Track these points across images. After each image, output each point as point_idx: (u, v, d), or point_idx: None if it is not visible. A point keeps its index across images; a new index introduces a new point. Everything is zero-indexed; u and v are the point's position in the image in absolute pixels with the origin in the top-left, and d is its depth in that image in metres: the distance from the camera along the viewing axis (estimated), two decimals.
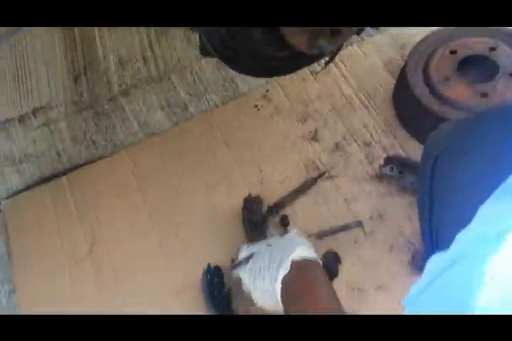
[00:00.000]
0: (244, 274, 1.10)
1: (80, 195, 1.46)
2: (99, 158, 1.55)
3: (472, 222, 0.53)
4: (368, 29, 1.68)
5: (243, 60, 1.21)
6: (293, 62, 1.32)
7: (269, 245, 1.13)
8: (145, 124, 1.62)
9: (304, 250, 1.07)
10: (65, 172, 1.53)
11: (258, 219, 1.29)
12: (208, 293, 1.21)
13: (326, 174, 1.39)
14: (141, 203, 1.43)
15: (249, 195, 1.34)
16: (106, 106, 1.69)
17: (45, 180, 1.53)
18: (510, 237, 0.45)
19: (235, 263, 1.15)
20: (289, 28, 1.08)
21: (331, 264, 1.18)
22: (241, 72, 1.27)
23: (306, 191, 1.37)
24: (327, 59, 1.40)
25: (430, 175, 0.90)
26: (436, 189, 0.91)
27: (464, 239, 0.52)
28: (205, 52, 1.21)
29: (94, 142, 1.61)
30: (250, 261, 1.10)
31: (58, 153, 1.60)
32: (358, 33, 1.29)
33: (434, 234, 0.90)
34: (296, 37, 1.11)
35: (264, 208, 1.33)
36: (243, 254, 1.15)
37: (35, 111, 1.71)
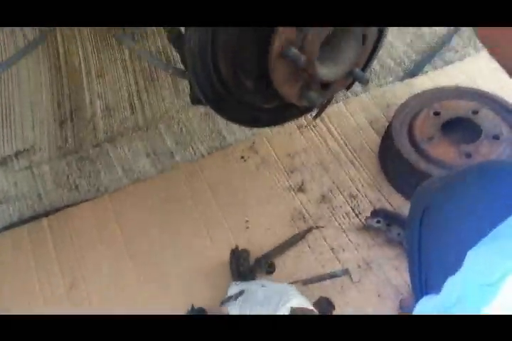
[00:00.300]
0: (233, 310, 1.07)
1: (60, 236, 1.43)
2: (82, 202, 1.52)
3: (463, 267, 0.54)
4: (355, 88, 1.74)
5: (232, 109, 1.23)
6: (282, 113, 1.35)
7: (264, 286, 1.12)
8: (129, 171, 1.62)
9: (300, 299, 1.06)
10: (45, 214, 1.49)
11: (246, 271, 1.28)
12: None
13: (313, 225, 1.39)
14: (124, 249, 1.40)
15: (237, 247, 1.33)
16: (90, 152, 1.68)
17: (25, 221, 1.49)
18: (509, 280, 0.46)
19: (224, 299, 1.12)
20: (281, 77, 1.11)
21: (325, 310, 1.17)
22: (229, 120, 1.29)
23: (294, 244, 1.36)
24: (315, 114, 1.44)
25: (418, 227, 0.92)
26: (424, 241, 0.93)
27: (458, 283, 0.53)
28: (195, 99, 1.23)
29: (76, 186, 1.59)
30: (240, 298, 1.08)
31: (39, 196, 1.57)
32: (348, 88, 1.34)
33: (424, 286, 0.91)
34: (287, 87, 1.14)
35: (252, 260, 1.31)
36: (232, 290, 1.13)
37: (17, 154, 1.69)
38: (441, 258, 0.87)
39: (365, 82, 1.22)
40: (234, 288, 1.14)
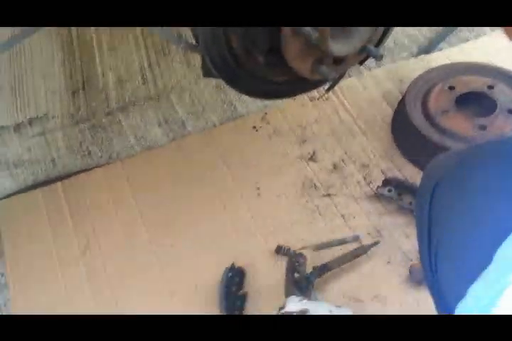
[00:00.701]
0: None
1: (74, 201, 1.44)
2: (95, 168, 1.52)
3: (500, 267, 0.54)
4: (368, 63, 1.74)
5: (244, 82, 1.23)
6: (293, 87, 1.35)
7: (331, 311, 1.03)
8: (142, 138, 1.62)
9: None
10: (59, 179, 1.50)
11: (302, 279, 1.19)
12: (225, 291, 1.19)
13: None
14: (137, 214, 1.40)
15: (295, 252, 1.26)
16: (103, 120, 1.68)
17: (39, 185, 1.50)
18: None
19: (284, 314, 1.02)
20: (293, 52, 1.10)
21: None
22: (241, 92, 1.29)
23: (355, 257, 1.26)
24: (327, 87, 1.44)
25: (429, 201, 0.91)
26: (435, 215, 0.91)
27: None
28: (207, 72, 1.23)
29: (89, 152, 1.59)
30: None
31: (53, 161, 1.58)
32: (361, 63, 1.34)
33: (433, 258, 0.90)
34: (299, 62, 1.14)
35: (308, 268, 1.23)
36: (293, 307, 1.03)
37: (31, 121, 1.69)
38: (453, 234, 0.86)
39: (379, 58, 1.21)
40: (294, 304, 1.03)
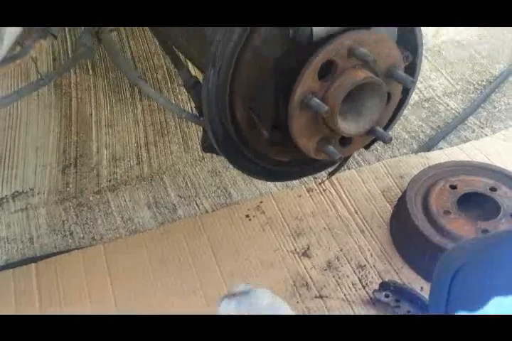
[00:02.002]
0: (228, 307, 0.96)
1: (47, 285, 1.33)
2: (74, 249, 1.44)
3: None
4: (368, 156, 1.72)
5: (245, 159, 1.18)
6: (295, 168, 1.30)
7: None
8: (129, 221, 1.55)
9: None
10: (34, 260, 1.40)
11: None
12: None
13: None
14: (112, 303, 1.30)
15: None
16: (91, 199, 1.62)
17: (12, 265, 1.40)
18: None
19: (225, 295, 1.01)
20: (299, 127, 1.07)
21: None
22: (240, 169, 1.24)
23: None
24: (329, 173, 1.40)
25: (447, 294, 0.84)
26: (452, 300, 0.85)
27: None
28: (207, 147, 1.19)
29: (71, 233, 1.51)
30: (242, 298, 0.97)
31: (31, 240, 1.49)
32: (367, 147, 1.30)
33: None
34: (305, 139, 1.10)
35: None
36: (236, 289, 1.02)
37: (15, 195, 1.63)
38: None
39: (387, 141, 1.18)
40: (238, 287, 1.02)
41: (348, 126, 1.08)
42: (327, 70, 1.02)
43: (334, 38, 0.99)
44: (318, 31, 0.97)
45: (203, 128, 1.14)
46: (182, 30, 1.22)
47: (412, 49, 1.17)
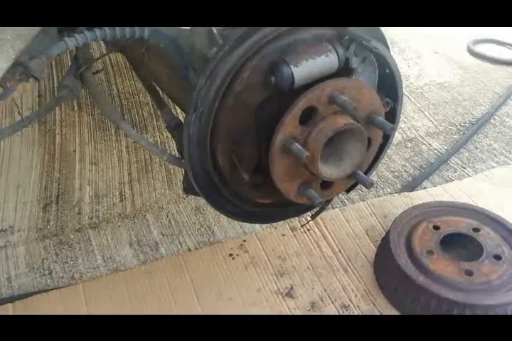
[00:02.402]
0: None
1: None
2: (53, 289, 1.40)
3: None
4: (352, 196, 1.72)
5: (226, 201, 1.18)
6: (277, 211, 1.31)
7: None
8: (109, 259, 1.52)
9: None
10: (11, 300, 1.36)
11: None
12: None
13: None
14: None
15: None
16: (71, 237, 1.59)
17: None
18: None
19: None
20: (281, 171, 1.07)
21: None
22: (221, 212, 1.23)
23: None
24: (312, 214, 1.40)
25: None
26: None
27: None
28: (188, 189, 1.18)
29: (50, 272, 1.47)
30: None
31: (9, 279, 1.45)
32: (348, 191, 1.31)
33: None
34: (286, 183, 1.11)
35: None
36: None
37: None
38: None
39: (368, 186, 1.19)
40: None
41: (329, 171, 1.09)
42: (308, 116, 1.03)
43: (315, 85, 1.00)
44: (300, 78, 0.99)
45: (185, 170, 1.14)
46: (165, 69, 1.24)
47: (392, 95, 1.19)
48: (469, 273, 1.29)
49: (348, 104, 1.00)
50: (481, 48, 2.54)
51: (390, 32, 2.62)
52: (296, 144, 1.01)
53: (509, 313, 1.24)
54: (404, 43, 2.63)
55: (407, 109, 2.18)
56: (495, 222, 1.44)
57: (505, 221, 1.44)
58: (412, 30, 2.67)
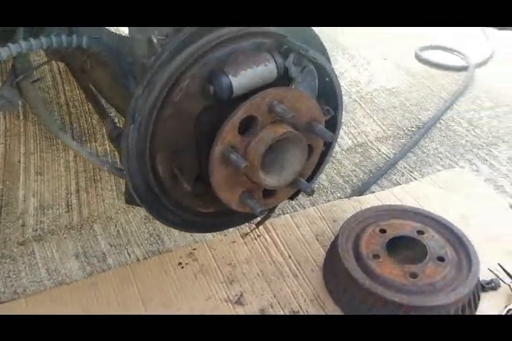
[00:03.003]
0: None
1: None
2: None
3: None
4: (302, 201, 1.73)
5: (168, 211, 1.17)
6: (220, 220, 1.30)
7: None
8: (54, 272, 1.48)
9: None
10: None
11: None
12: None
13: None
14: None
15: None
16: (14, 250, 1.54)
17: None
18: None
19: None
20: (221, 181, 1.07)
21: None
22: (163, 222, 1.22)
23: None
24: (257, 222, 1.39)
25: None
26: None
27: None
28: (129, 199, 1.16)
29: None
30: None
31: None
32: (292, 198, 1.31)
33: None
34: (227, 192, 1.10)
35: None
36: None
37: None
38: None
39: (309, 193, 1.20)
40: None
41: (270, 179, 1.09)
42: (248, 125, 1.03)
43: (254, 94, 1.01)
44: (239, 88, 0.99)
45: (126, 181, 1.12)
46: (107, 78, 1.22)
47: (332, 104, 1.21)
48: (414, 276, 1.31)
49: (286, 113, 1.01)
50: (428, 55, 2.60)
51: (340, 39, 2.71)
52: (235, 154, 1.01)
53: (452, 313, 1.26)
54: (355, 50, 2.67)
55: (358, 114, 2.21)
56: (439, 224, 1.46)
57: (449, 223, 1.47)
58: (362, 38, 2.71)
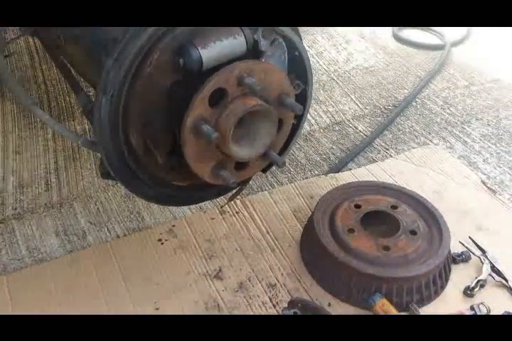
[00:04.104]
0: None
1: None
2: None
3: None
4: (280, 178, 1.75)
5: (142, 184, 1.18)
6: (195, 192, 1.31)
7: None
8: (34, 250, 1.49)
9: None
10: None
11: None
12: None
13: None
14: None
15: None
16: None
17: None
18: None
19: None
20: (193, 153, 1.08)
21: None
22: (139, 196, 1.23)
23: None
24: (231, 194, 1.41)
25: None
26: None
27: None
28: (104, 173, 1.17)
29: None
30: None
31: None
32: (264, 171, 1.33)
33: None
34: (200, 164, 1.12)
35: None
36: None
37: None
38: None
39: (281, 165, 1.22)
40: None
41: (241, 151, 1.11)
42: (219, 98, 1.04)
43: (224, 67, 1.02)
44: (208, 60, 1.00)
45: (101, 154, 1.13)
46: (80, 52, 1.22)
47: (303, 78, 1.22)
48: (387, 249, 1.35)
49: (255, 86, 1.02)
50: (405, 33, 2.62)
51: None
52: (206, 126, 1.02)
53: (423, 284, 1.31)
54: (333, 30, 2.68)
55: (335, 93, 2.24)
56: (412, 199, 1.50)
57: (422, 198, 1.51)
58: None
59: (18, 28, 1.53)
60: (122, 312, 1.29)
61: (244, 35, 1.05)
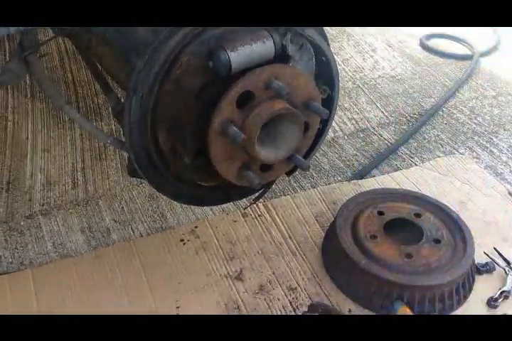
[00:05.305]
0: None
1: None
2: (2, 274, 1.39)
3: None
4: (303, 183, 1.76)
5: (169, 184, 1.20)
6: (221, 194, 1.32)
7: None
8: (60, 245, 1.51)
9: None
10: None
11: None
12: None
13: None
14: None
15: None
16: (22, 223, 1.58)
17: None
18: None
19: None
20: (219, 154, 1.10)
21: None
22: (165, 194, 1.25)
23: None
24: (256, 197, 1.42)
25: None
26: None
27: None
28: (132, 171, 1.19)
29: None
30: None
31: None
32: (289, 174, 1.34)
33: None
34: (225, 165, 1.13)
35: None
36: None
37: None
38: None
39: (306, 169, 1.23)
40: None
41: (266, 153, 1.12)
42: (246, 100, 1.06)
43: (252, 70, 1.03)
44: (237, 64, 1.02)
45: (129, 154, 1.15)
46: (111, 54, 1.24)
47: (329, 83, 1.23)
48: (409, 256, 1.35)
49: (282, 90, 1.03)
50: (432, 43, 2.61)
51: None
52: (233, 127, 1.03)
53: (446, 294, 1.30)
54: (360, 37, 2.68)
55: (361, 100, 2.24)
56: (436, 207, 1.50)
57: (445, 207, 1.50)
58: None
59: (51, 29, 1.56)
60: (144, 310, 1.31)
61: (273, 40, 1.06)
